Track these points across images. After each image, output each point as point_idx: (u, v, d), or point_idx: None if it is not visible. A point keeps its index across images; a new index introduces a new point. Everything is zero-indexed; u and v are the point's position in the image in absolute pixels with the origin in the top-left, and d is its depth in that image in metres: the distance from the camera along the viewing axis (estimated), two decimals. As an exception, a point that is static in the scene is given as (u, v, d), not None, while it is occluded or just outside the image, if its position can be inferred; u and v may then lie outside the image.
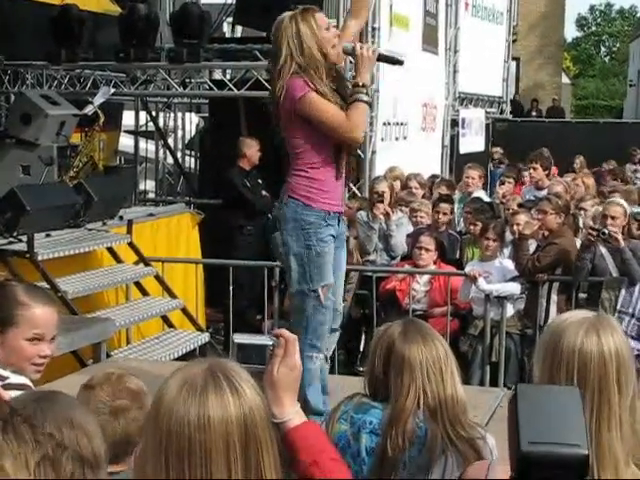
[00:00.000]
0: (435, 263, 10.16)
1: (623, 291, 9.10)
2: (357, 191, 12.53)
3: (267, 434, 2.22)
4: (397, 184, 12.24)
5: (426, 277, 10.06)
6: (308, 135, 6.21)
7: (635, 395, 2.96)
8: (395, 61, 6.84)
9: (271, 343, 3.04)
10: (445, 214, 11.08)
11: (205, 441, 2.13)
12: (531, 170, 14.97)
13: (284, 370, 2.93)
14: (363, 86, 6.16)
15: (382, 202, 10.80)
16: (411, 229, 11.07)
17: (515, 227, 10.02)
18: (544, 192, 12.57)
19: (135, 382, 3.93)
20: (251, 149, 12.27)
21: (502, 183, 14.59)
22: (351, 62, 7.16)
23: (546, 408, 2.06)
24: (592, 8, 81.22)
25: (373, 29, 13.44)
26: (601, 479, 2.79)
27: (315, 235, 6.31)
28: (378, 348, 3.85)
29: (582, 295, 9.67)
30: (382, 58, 6.44)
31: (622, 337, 3.03)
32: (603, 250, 9.53)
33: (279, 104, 6.25)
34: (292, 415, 2.77)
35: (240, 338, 3.15)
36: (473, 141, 20.34)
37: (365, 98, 6.15)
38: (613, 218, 9.51)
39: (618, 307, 9.05)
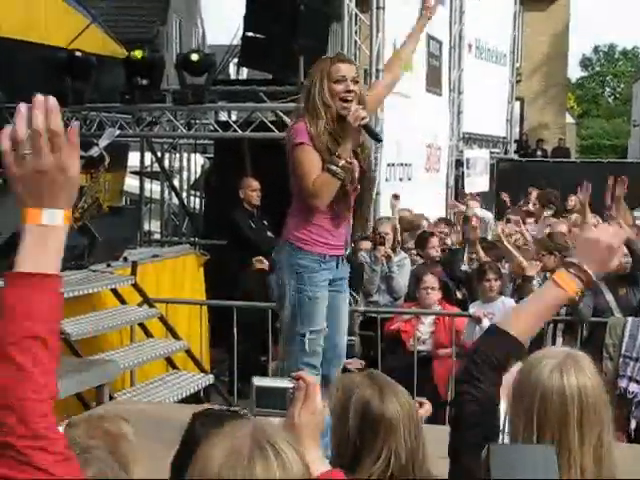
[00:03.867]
0: (440, 303, 10.14)
1: (627, 335, 9.06)
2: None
3: None
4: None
5: (431, 318, 10.03)
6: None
7: (604, 444, 2.89)
8: (375, 135, 6.96)
9: (291, 386, 3.01)
10: (435, 248, 11.25)
11: None
12: (533, 206, 15.08)
13: (306, 415, 2.91)
14: (339, 157, 6.13)
15: (384, 244, 10.81)
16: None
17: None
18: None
19: (118, 426, 3.92)
20: (248, 189, 12.30)
21: (508, 221, 14.57)
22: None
23: (519, 469, 2.04)
24: (596, 49, 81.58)
25: (377, 71, 13.49)
26: None
27: (309, 279, 6.31)
28: (350, 406, 3.65)
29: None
30: (365, 128, 6.45)
31: (591, 377, 2.96)
32: (604, 289, 9.53)
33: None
34: (317, 464, 2.72)
35: (260, 381, 3.09)
36: (478, 181, 20.37)
37: (334, 169, 6.10)
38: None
39: (622, 351, 9.01)
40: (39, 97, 2.22)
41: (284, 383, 3.03)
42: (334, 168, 6.11)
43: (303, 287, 6.31)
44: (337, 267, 6.48)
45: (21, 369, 2.07)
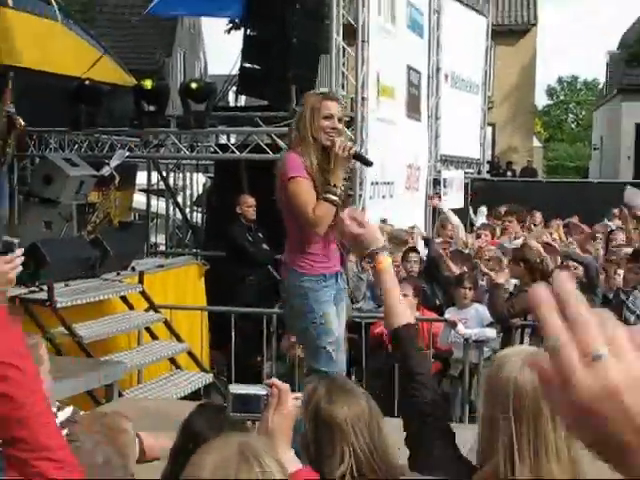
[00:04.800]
0: (418, 309, 10.12)
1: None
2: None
3: None
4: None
5: (410, 322, 10.01)
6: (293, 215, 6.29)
7: None
8: (366, 162, 7.00)
9: (265, 393, 3.01)
10: (415, 262, 11.15)
11: None
12: (507, 223, 15.08)
13: (278, 419, 2.94)
14: (334, 186, 6.14)
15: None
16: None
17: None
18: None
19: (117, 421, 3.99)
20: (245, 205, 12.31)
21: (478, 237, 14.57)
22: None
23: None
24: (560, 79, 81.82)
25: (362, 99, 13.50)
26: None
27: (315, 298, 6.32)
28: (306, 410, 3.62)
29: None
30: (357, 156, 6.48)
31: None
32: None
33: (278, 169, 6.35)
34: (289, 463, 2.69)
35: (236, 389, 3.09)
36: (454, 199, 20.38)
37: (333, 198, 6.11)
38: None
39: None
40: None
41: (259, 390, 3.04)
42: (332, 197, 6.12)
43: (312, 306, 6.33)
44: (337, 282, 6.50)
45: (6, 395, 2.08)
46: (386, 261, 3.56)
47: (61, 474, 2.07)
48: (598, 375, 1.16)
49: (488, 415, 2.91)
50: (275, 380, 3.06)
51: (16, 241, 4.40)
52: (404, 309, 3.51)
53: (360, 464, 3.45)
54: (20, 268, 4.19)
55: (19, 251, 4.62)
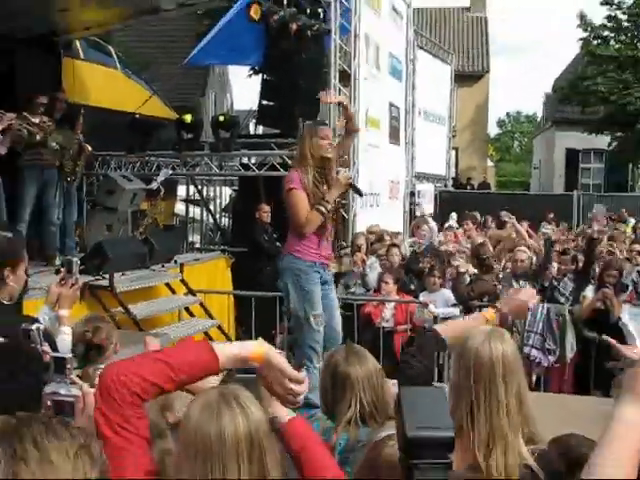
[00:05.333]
0: (398, 293, 10.11)
1: (529, 316, 9.05)
2: (344, 242, 12.53)
3: (268, 441, 2.16)
4: (372, 237, 12.26)
5: (392, 304, 9.99)
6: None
7: (521, 388, 2.88)
8: (359, 192, 7.16)
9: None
10: (397, 255, 11.13)
11: (221, 450, 2.08)
12: (465, 226, 15.11)
13: (273, 373, 2.86)
14: (327, 201, 6.30)
15: (360, 251, 10.85)
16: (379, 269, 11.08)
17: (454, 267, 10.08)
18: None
19: None
20: (262, 212, 12.33)
21: (445, 236, 14.56)
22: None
23: (422, 403, 2.04)
24: (507, 114, 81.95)
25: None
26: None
27: (305, 279, 6.38)
28: (326, 369, 3.71)
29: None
30: (352, 186, 6.67)
31: (510, 346, 2.95)
32: (515, 285, 9.52)
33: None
34: (283, 413, 2.64)
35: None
36: (426, 206, 20.41)
37: (322, 209, 6.28)
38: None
39: (526, 327, 9.00)
40: None
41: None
42: (322, 209, 6.29)
43: (303, 284, 6.38)
44: (324, 270, 6.56)
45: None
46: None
47: (142, 424, 2.08)
48: None
49: (455, 380, 2.92)
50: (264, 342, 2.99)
51: (75, 259, 4.22)
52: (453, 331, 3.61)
53: (364, 412, 3.49)
54: (81, 284, 3.99)
55: (76, 269, 4.50)
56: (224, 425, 2.10)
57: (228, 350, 2.34)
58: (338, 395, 3.53)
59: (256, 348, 2.41)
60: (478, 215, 17.68)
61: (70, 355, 2.92)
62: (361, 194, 7.84)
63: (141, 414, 2.07)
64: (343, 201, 11.52)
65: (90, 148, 11.79)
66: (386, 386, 3.62)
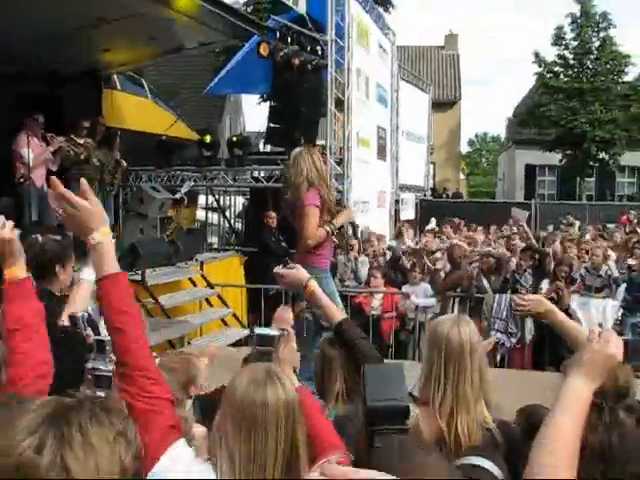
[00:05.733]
0: (385, 285, 10.11)
1: (495, 304, 9.05)
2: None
3: (299, 414, 2.17)
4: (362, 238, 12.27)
5: (380, 295, 10.00)
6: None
7: (482, 364, 2.88)
8: (354, 229, 7.00)
9: (278, 334, 2.97)
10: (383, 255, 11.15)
11: (264, 417, 2.10)
12: (444, 229, 15.11)
13: (287, 352, 2.89)
14: (334, 225, 6.17)
15: (353, 250, 10.84)
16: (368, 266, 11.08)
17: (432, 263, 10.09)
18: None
19: (190, 357, 4.02)
20: (269, 218, 12.27)
21: (425, 236, 14.57)
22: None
23: (381, 378, 2.04)
24: (476, 135, 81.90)
25: (348, 147, 13.55)
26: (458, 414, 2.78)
27: (322, 283, 6.28)
28: (317, 358, 3.64)
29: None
30: (352, 223, 6.55)
31: (473, 330, 2.93)
32: (482, 278, 9.53)
33: (293, 204, 6.23)
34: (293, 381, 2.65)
35: (259, 330, 3.06)
36: (408, 213, 20.41)
37: (329, 230, 6.13)
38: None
39: (492, 314, 9.00)
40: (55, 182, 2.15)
41: (274, 332, 2.99)
42: (329, 230, 6.15)
43: (322, 287, 6.30)
44: (330, 270, 6.53)
45: (123, 332, 2.07)
46: (314, 286, 3.43)
47: (156, 388, 2.06)
48: None
49: (428, 357, 2.92)
50: (285, 325, 3.04)
51: (79, 314, 4.06)
52: (337, 311, 3.46)
53: (349, 388, 3.44)
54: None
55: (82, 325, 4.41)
56: (268, 395, 2.12)
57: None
58: (325, 377, 3.50)
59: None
60: (456, 220, 17.67)
61: (109, 338, 2.94)
62: (356, 236, 7.75)
63: (154, 381, 2.06)
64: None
65: (125, 164, 11.80)
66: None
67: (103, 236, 2.13)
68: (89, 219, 2.11)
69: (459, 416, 2.79)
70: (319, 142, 14.19)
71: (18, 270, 2.53)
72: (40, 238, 4.12)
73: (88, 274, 4.10)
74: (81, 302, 3.93)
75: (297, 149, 6.41)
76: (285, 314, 3.50)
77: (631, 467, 2.18)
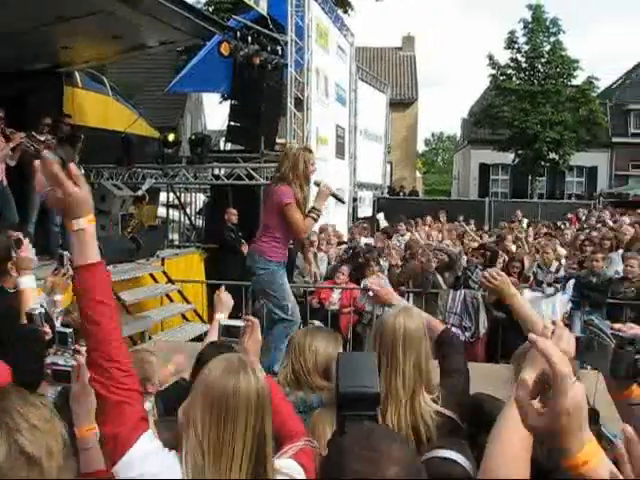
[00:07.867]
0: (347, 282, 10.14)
1: (449, 299, 9.13)
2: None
3: (269, 403, 2.17)
4: (322, 235, 12.27)
5: (339, 290, 10.02)
6: (279, 222, 6.21)
7: (421, 358, 2.89)
8: (339, 199, 7.01)
9: (243, 325, 2.99)
10: (345, 251, 11.20)
11: (235, 404, 2.09)
12: (398, 226, 15.22)
13: (251, 342, 2.92)
14: (318, 210, 6.20)
15: (312, 246, 10.84)
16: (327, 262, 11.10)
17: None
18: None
19: (144, 355, 4.00)
20: (230, 214, 12.20)
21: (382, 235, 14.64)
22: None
23: (354, 366, 2.09)
24: (433, 134, 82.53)
25: (305, 147, 13.50)
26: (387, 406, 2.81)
27: (276, 276, 6.31)
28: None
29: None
30: (333, 195, 6.54)
31: (414, 322, 2.95)
32: (437, 274, 9.61)
33: (269, 194, 6.31)
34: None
35: (225, 321, 3.09)
36: (365, 210, 20.50)
37: (315, 217, 6.18)
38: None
39: (447, 309, 9.07)
40: (48, 156, 2.06)
41: (239, 323, 3.02)
42: (315, 216, 6.19)
43: (277, 280, 6.33)
44: (285, 265, 6.51)
45: (98, 323, 2.04)
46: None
47: (129, 380, 2.05)
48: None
49: (370, 348, 2.95)
50: (250, 317, 3.05)
51: (66, 253, 4.03)
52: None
53: (294, 372, 3.49)
54: (71, 273, 3.85)
55: (67, 261, 4.40)
56: (241, 383, 2.11)
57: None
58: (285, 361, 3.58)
59: None
60: (405, 218, 17.82)
61: (70, 330, 2.92)
62: (343, 202, 7.73)
63: (127, 374, 2.05)
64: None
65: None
66: (318, 352, 3.56)
67: (87, 223, 2.07)
68: (77, 204, 2.05)
69: (387, 413, 2.80)
70: (279, 140, 14.16)
71: None
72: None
73: (28, 283, 4.07)
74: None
75: (294, 146, 6.59)
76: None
77: None
